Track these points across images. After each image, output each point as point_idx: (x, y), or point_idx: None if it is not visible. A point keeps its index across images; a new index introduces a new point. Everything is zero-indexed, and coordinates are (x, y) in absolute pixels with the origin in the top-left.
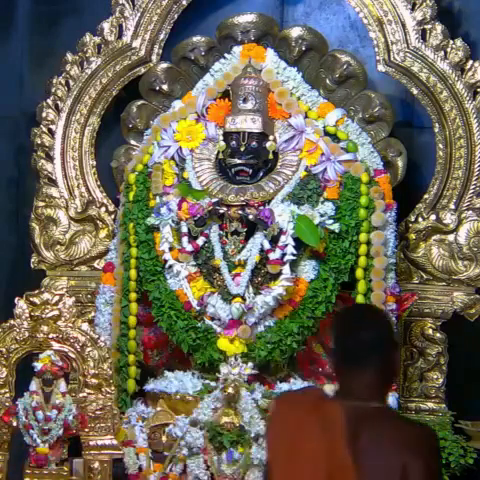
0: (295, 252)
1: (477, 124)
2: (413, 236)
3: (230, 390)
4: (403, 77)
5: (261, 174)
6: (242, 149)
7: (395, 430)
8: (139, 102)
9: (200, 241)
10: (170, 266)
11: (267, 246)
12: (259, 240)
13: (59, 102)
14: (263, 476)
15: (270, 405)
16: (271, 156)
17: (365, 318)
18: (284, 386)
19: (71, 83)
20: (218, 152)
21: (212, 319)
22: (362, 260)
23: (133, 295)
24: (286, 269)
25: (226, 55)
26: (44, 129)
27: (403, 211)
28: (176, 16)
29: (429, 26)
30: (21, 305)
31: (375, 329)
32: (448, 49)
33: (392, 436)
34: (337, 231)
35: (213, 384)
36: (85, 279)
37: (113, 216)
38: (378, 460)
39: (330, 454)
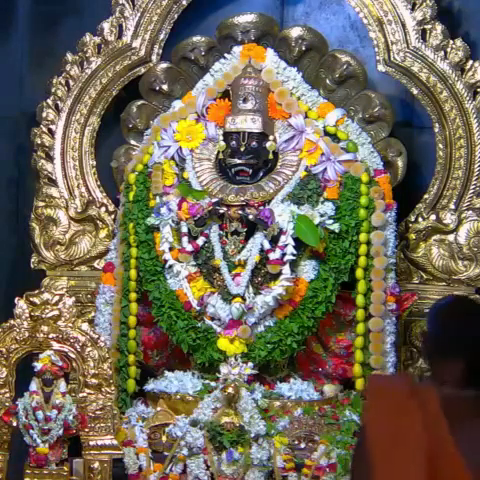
0: (295, 252)
1: (477, 124)
2: (413, 236)
3: (230, 390)
4: (403, 77)
5: (261, 174)
6: (242, 149)
7: None
8: (139, 102)
9: (200, 241)
10: (170, 266)
11: (267, 246)
12: (259, 240)
13: (59, 102)
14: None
15: (366, 387)
16: (271, 156)
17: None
18: (284, 386)
19: (71, 83)
20: (218, 152)
21: (212, 319)
22: (362, 260)
23: (133, 295)
24: (286, 269)
25: (226, 55)
26: (44, 129)
27: (403, 211)
28: (176, 16)
29: (429, 26)
30: (21, 305)
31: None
32: (448, 49)
33: None
34: (337, 231)
35: (213, 384)
36: (85, 279)
37: (113, 216)
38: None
39: (433, 441)
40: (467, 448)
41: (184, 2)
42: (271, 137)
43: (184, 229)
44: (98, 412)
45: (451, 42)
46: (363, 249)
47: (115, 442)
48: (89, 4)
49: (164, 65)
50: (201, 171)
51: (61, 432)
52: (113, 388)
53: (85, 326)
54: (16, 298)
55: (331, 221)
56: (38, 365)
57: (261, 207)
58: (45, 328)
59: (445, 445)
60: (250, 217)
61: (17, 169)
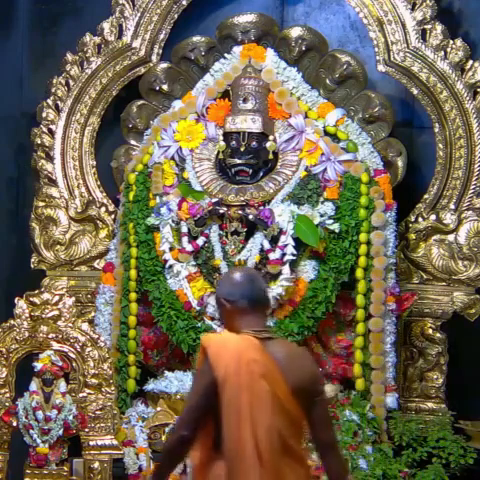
0: (295, 252)
1: (477, 124)
2: (413, 236)
3: None
4: (403, 77)
5: (261, 174)
6: (242, 149)
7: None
8: (139, 102)
9: (200, 241)
10: (170, 266)
11: (267, 246)
12: (259, 240)
13: (59, 102)
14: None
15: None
16: (271, 156)
17: (254, 276)
18: None
19: (71, 83)
20: (218, 152)
21: (212, 319)
22: (362, 260)
23: (133, 295)
24: (286, 269)
25: (226, 55)
26: (44, 129)
27: (403, 211)
28: (176, 16)
29: (429, 26)
30: (21, 305)
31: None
32: (448, 49)
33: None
34: (337, 231)
35: None
36: (85, 279)
37: (113, 216)
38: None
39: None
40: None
41: (184, 2)
42: (271, 137)
43: (184, 229)
44: (98, 412)
45: (451, 42)
46: (363, 249)
47: (115, 442)
48: (89, 4)
49: (164, 65)
50: (201, 171)
51: (61, 432)
52: (113, 388)
53: (85, 326)
54: (16, 298)
55: (331, 221)
56: (38, 365)
57: (261, 207)
58: (45, 328)
59: (269, 365)
60: (250, 217)
61: (17, 169)
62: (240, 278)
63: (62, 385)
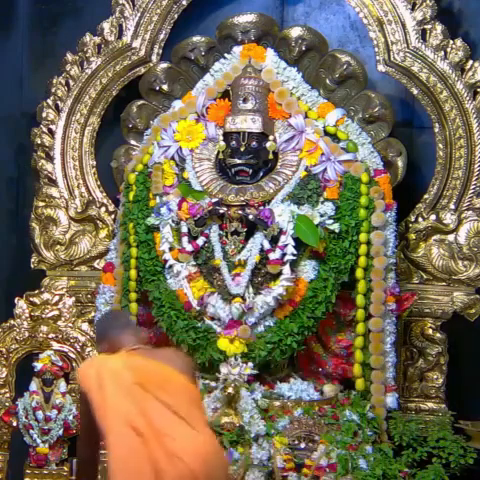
0: (295, 252)
1: (477, 124)
2: (413, 236)
3: (230, 390)
4: (403, 77)
5: (261, 174)
6: (242, 149)
7: None
8: (139, 102)
9: (200, 241)
10: (170, 266)
11: (267, 246)
12: (259, 240)
13: (59, 102)
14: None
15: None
16: (271, 156)
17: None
18: (284, 386)
19: (71, 83)
20: (218, 152)
21: (212, 319)
22: (362, 260)
23: (133, 295)
24: (286, 269)
25: (226, 55)
26: (44, 129)
27: (403, 211)
28: (176, 16)
29: (429, 26)
30: (21, 305)
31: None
32: (448, 49)
33: None
34: (337, 231)
35: (213, 384)
36: (85, 279)
37: (113, 216)
38: None
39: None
40: (166, 361)
41: (184, 2)
42: (271, 137)
43: (184, 229)
44: None
45: (451, 42)
46: (363, 249)
47: None
48: (89, 4)
49: (164, 65)
50: (201, 171)
51: (61, 432)
52: None
53: (85, 326)
54: (16, 298)
55: (331, 221)
56: (38, 365)
57: (261, 207)
58: (45, 328)
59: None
60: (250, 217)
61: (17, 169)
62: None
63: (62, 385)
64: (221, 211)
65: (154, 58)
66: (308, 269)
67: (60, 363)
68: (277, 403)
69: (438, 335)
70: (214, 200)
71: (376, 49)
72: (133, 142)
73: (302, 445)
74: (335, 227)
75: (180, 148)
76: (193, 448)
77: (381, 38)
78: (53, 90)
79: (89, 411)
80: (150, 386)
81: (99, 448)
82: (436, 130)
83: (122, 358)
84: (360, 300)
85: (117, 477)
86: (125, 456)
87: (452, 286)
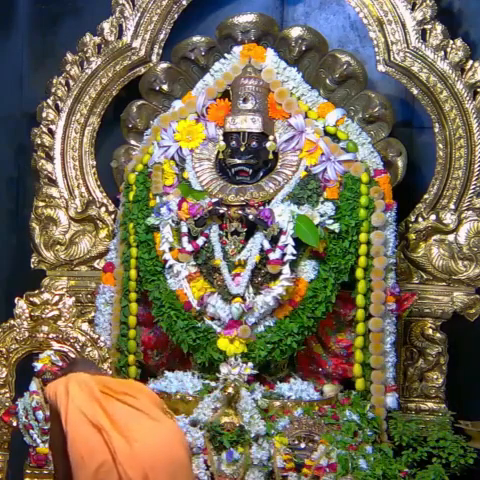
0: (295, 252)
1: (477, 124)
2: (413, 236)
3: (230, 390)
4: (403, 77)
5: (261, 174)
6: (242, 149)
7: None
8: (139, 102)
9: (200, 241)
10: (170, 266)
11: (267, 246)
12: (259, 240)
13: (59, 102)
14: None
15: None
16: (271, 156)
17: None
18: (284, 386)
19: (71, 83)
20: (218, 152)
21: (212, 319)
22: (362, 260)
23: (133, 295)
24: (286, 269)
25: (226, 55)
26: (44, 129)
27: (403, 211)
28: (176, 16)
29: (429, 26)
30: (21, 305)
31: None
32: (448, 49)
33: None
34: (337, 231)
35: (213, 384)
36: (85, 279)
37: (113, 216)
38: None
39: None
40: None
41: (184, 2)
42: (271, 137)
43: (184, 229)
44: None
45: (451, 42)
46: (363, 249)
47: None
48: (89, 4)
49: (164, 65)
50: (201, 171)
51: None
52: None
53: (85, 326)
54: (16, 298)
55: (331, 221)
56: (38, 365)
57: (261, 207)
58: (45, 328)
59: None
60: (250, 217)
61: (17, 169)
62: None
63: None
64: (221, 211)
65: (154, 58)
66: (308, 269)
67: (60, 363)
68: (277, 403)
69: (438, 335)
70: (214, 200)
71: (376, 49)
72: (133, 142)
73: (302, 445)
74: (335, 227)
75: (180, 148)
76: (154, 436)
77: (381, 38)
78: (53, 90)
79: (62, 430)
80: (114, 392)
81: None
82: (436, 130)
83: (87, 374)
84: (360, 300)
85: (78, 473)
86: (84, 452)
87: (452, 286)
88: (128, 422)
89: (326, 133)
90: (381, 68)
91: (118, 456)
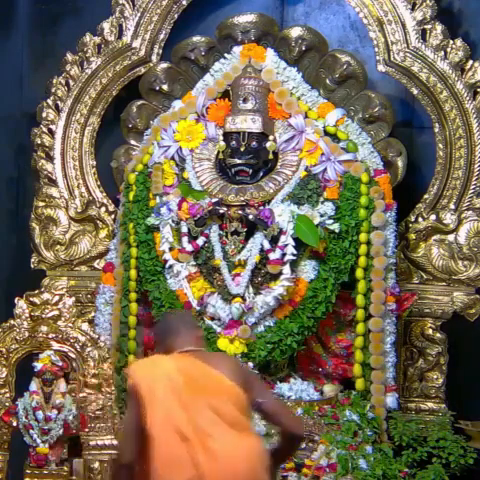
0: (295, 252)
1: (477, 124)
2: (413, 236)
3: None
4: (403, 77)
5: (261, 174)
6: (242, 149)
7: None
8: (139, 102)
9: (200, 241)
10: (170, 266)
11: (267, 246)
12: (259, 240)
13: (59, 102)
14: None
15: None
16: (271, 156)
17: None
18: (284, 386)
19: (71, 83)
20: (218, 152)
21: (212, 319)
22: (362, 260)
23: (133, 295)
24: (286, 269)
25: (226, 55)
26: (44, 129)
27: (403, 211)
28: (176, 16)
29: (429, 26)
30: (21, 305)
31: None
32: (448, 49)
33: None
34: (337, 231)
35: None
36: (85, 279)
37: (113, 216)
38: None
39: (189, 373)
40: (219, 366)
41: (184, 2)
42: (271, 137)
43: (184, 229)
44: (98, 412)
45: (451, 42)
46: (363, 249)
47: (115, 442)
48: (89, 4)
49: (164, 65)
50: (201, 171)
51: (61, 432)
52: (113, 388)
53: (85, 326)
54: (16, 298)
55: (331, 221)
56: (38, 365)
57: (261, 207)
58: (45, 328)
59: (204, 370)
60: (250, 217)
61: (17, 169)
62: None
63: (62, 385)
64: (221, 211)
65: (154, 58)
66: (308, 269)
67: (60, 363)
68: None
69: (438, 335)
70: (214, 200)
71: (376, 49)
72: (133, 142)
73: (302, 445)
74: (335, 227)
75: (180, 148)
76: (236, 451)
77: (381, 38)
78: (53, 90)
79: (138, 411)
80: (199, 390)
81: (141, 451)
82: (436, 130)
83: (174, 360)
84: (360, 300)
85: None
86: (169, 463)
87: (452, 286)
88: (211, 432)
89: (326, 133)
90: (381, 68)
91: (204, 473)
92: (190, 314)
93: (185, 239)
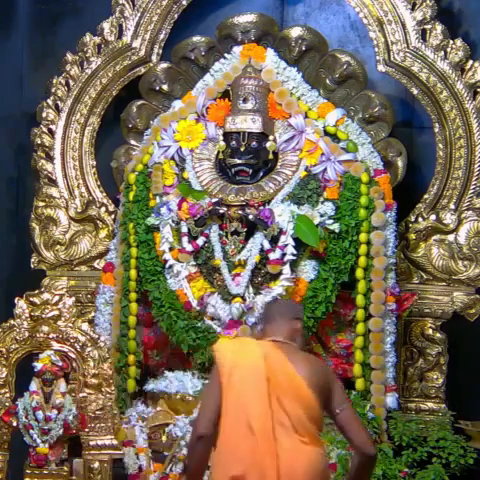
0: (295, 252)
1: (477, 124)
2: (413, 236)
3: None
4: (403, 77)
5: (261, 174)
6: (242, 149)
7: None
8: (139, 102)
9: (200, 241)
10: (170, 266)
11: (267, 246)
12: (259, 240)
13: (59, 102)
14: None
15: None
16: (271, 156)
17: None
18: None
19: (71, 83)
20: (218, 152)
21: (212, 319)
22: (362, 260)
23: (133, 295)
24: (286, 269)
25: (226, 55)
26: (44, 129)
27: (403, 211)
28: (176, 16)
29: (429, 26)
30: (21, 305)
31: None
32: (448, 49)
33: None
34: (337, 231)
35: None
36: (85, 279)
37: (113, 216)
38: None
39: (272, 365)
40: (299, 366)
41: (184, 2)
42: (271, 137)
43: (184, 229)
44: (98, 412)
45: (451, 42)
46: (363, 249)
47: (115, 442)
48: (89, 4)
49: (164, 65)
50: (201, 171)
51: (61, 432)
52: (113, 388)
53: (85, 326)
54: (16, 298)
55: (331, 221)
56: (38, 365)
57: (261, 207)
58: (45, 328)
59: (284, 367)
60: (250, 217)
61: (17, 169)
62: None
63: (62, 385)
64: (221, 211)
65: (154, 58)
66: (308, 269)
67: (60, 363)
68: None
69: (438, 335)
70: (214, 200)
71: (376, 49)
72: (133, 142)
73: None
74: (335, 227)
75: (180, 148)
76: (295, 459)
77: (381, 38)
78: (53, 90)
79: (217, 389)
80: (276, 387)
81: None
82: (436, 130)
83: (262, 348)
84: (360, 300)
85: (226, 469)
86: (232, 450)
87: (452, 286)
88: (277, 434)
89: (326, 133)
90: (381, 68)
91: (264, 472)
92: (295, 305)
93: (185, 239)
